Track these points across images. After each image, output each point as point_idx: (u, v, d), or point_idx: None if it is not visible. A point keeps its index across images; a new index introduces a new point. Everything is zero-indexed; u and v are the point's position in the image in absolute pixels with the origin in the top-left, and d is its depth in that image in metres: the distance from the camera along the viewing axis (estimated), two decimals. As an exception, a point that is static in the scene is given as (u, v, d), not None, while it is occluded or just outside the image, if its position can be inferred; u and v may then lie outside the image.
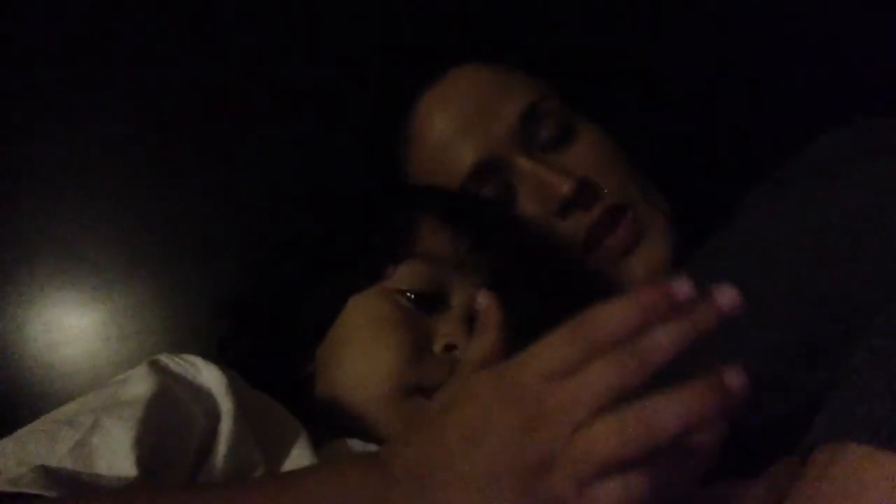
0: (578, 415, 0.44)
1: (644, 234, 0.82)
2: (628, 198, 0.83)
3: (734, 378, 0.43)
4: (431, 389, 0.65)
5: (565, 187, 0.80)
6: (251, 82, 0.98)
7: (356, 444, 0.62)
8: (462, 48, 0.89)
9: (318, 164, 0.97)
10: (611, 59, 0.99)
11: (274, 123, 0.98)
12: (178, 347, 0.67)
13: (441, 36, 0.97)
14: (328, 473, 0.48)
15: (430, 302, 0.68)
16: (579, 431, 0.43)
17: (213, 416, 0.55)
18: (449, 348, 0.67)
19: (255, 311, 0.77)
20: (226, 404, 0.55)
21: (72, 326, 0.94)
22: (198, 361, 0.57)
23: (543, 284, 0.76)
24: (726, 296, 0.44)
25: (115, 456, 0.48)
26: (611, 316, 0.45)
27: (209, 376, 0.56)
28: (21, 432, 0.52)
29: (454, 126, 0.84)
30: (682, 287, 0.44)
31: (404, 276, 0.69)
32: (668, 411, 0.43)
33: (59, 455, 0.48)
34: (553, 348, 0.45)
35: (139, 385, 0.54)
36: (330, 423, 0.66)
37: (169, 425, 0.52)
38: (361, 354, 0.68)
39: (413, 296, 0.68)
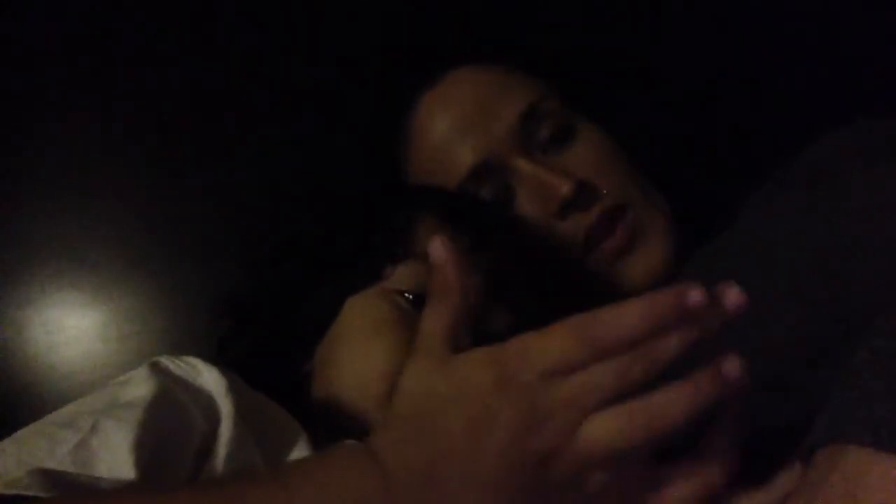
0: (581, 412, 0.44)
1: (643, 234, 0.82)
2: (628, 198, 0.83)
3: (732, 368, 0.45)
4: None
5: (565, 189, 0.79)
6: (251, 82, 0.98)
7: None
8: (462, 49, 0.89)
9: (318, 164, 0.97)
10: (611, 59, 0.99)
11: (274, 123, 0.98)
12: (178, 348, 0.67)
13: (441, 36, 0.97)
14: (326, 474, 0.47)
15: None
16: (582, 427, 0.44)
17: (213, 418, 0.54)
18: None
19: (254, 311, 0.77)
20: (226, 407, 0.55)
21: (72, 327, 0.94)
22: (198, 364, 0.57)
23: (542, 285, 0.76)
24: (732, 296, 0.45)
25: (115, 458, 0.48)
26: (620, 319, 0.44)
27: (209, 378, 0.56)
28: (21, 434, 0.52)
29: (454, 127, 0.84)
30: (695, 295, 0.44)
31: (403, 276, 0.69)
32: (670, 406, 0.44)
33: (59, 457, 0.48)
34: (557, 345, 0.45)
35: (139, 387, 0.54)
36: (327, 423, 0.66)
37: (169, 428, 0.52)
38: (360, 355, 0.68)
39: (412, 297, 0.68)
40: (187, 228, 0.96)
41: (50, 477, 0.46)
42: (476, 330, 0.52)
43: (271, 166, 0.97)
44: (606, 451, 0.44)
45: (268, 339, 0.74)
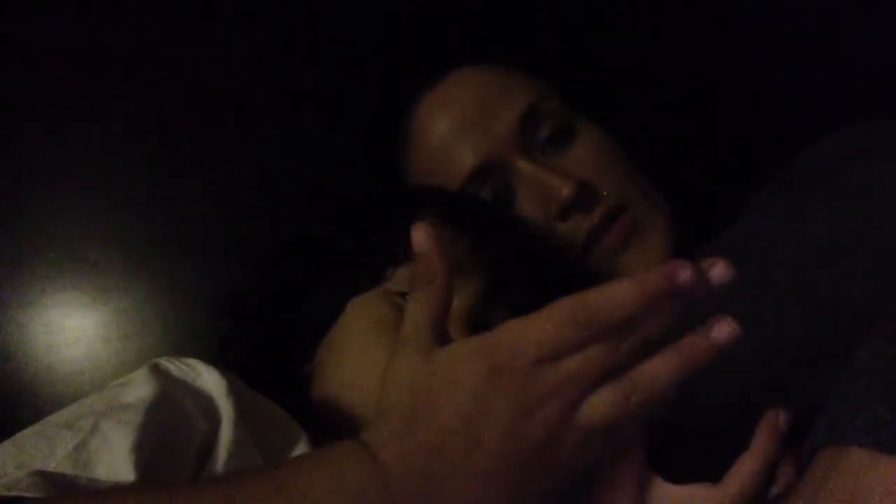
0: (576, 394, 0.45)
1: (643, 233, 0.82)
2: (627, 198, 0.83)
3: (723, 331, 0.45)
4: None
5: (565, 190, 0.79)
6: (251, 82, 0.98)
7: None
8: (462, 49, 0.89)
9: (318, 164, 0.97)
10: (611, 59, 0.99)
11: (274, 123, 0.98)
12: (178, 348, 0.67)
13: (441, 36, 0.97)
14: (323, 470, 0.46)
15: None
16: (577, 408, 0.45)
17: (214, 420, 0.54)
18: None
19: (255, 312, 0.77)
20: (226, 408, 0.55)
21: (72, 328, 0.94)
22: (198, 365, 0.57)
23: (542, 285, 0.76)
24: (719, 270, 0.45)
25: (114, 460, 0.48)
26: (610, 301, 0.44)
27: (210, 380, 0.56)
28: (20, 435, 0.52)
29: (454, 127, 0.84)
30: (686, 274, 0.44)
31: (404, 277, 0.69)
32: (660, 374, 0.45)
33: (58, 459, 0.48)
34: (548, 329, 0.45)
35: (139, 389, 0.54)
36: (327, 424, 0.66)
37: (169, 429, 0.52)
38: (360, 356, 0.68)
39: (412, 298, 0.68)
40: (187, 228, 0.95)
41: (49, 478, 0.46)
42: (476, 330, 0.52)
43: (271, 166, 0.97)
44: (602, 427, 0.45)
45: (268, 339, 0.74)
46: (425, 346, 0.48)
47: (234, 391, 0.56)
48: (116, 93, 0.96)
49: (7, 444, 0.51)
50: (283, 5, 0.99)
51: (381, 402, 0.48)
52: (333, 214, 0.80)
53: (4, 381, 0.92)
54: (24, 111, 0.95)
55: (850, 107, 0.88)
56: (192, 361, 0.57)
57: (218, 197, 0.97)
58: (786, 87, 1.01)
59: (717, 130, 1.00)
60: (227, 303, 0.79)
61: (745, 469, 0.51)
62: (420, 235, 0.50)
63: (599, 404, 0.45)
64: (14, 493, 0.44)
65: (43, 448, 0.49)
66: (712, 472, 0.52)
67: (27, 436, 0.51)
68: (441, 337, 0.48)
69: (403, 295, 0.68)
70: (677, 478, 0.52)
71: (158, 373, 0.56)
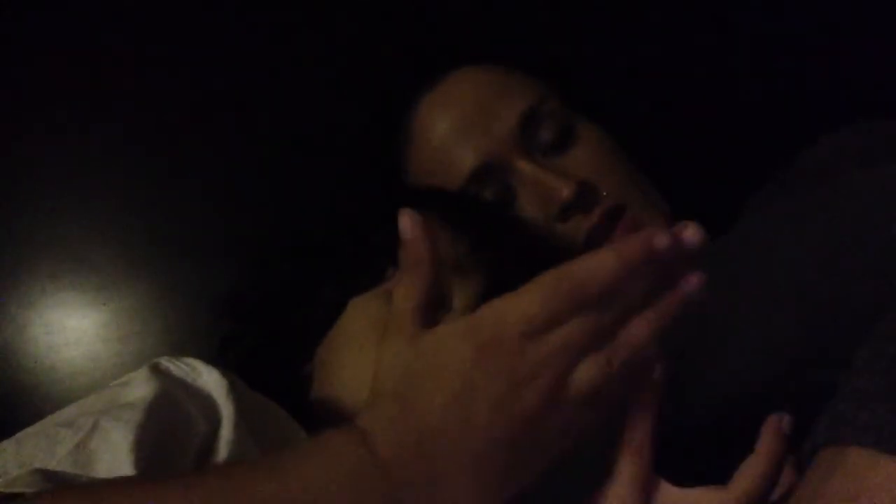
0: (562, 366, 0.45)
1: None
2: (627, 198, 0.83)
3: (692, 282, 0.46)
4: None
5: (566, 191, 0.80)
6: (251, 82, 0.98)
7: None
8: (462, 49, 0.89)
9: (318, 165, 0.97)
10: (611, 59, 0.99)
11: (274, 123, 0.98)
12: (179, 348, 0.67)
13: (441, 37, 0.97)
14: (320, 456, 0.46)
15: None
16: (565, 379, 0.45)
17: (214, 420, 0.54)
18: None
19: (255, 312, 0.77)
20: (226, 408, 0.55)
21: (72, 328, 0.94)
22: (199, 365, 0.57)
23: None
24: (689, 233, 0.46)
25: (115, 459, 0.48)
26: (592, 271, 0.45)
27: (210, 380, 0.56)
28: (21, 434, 0.52)
29: (454, 127, 0.84)
30: (662, 240, 0.45)
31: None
32: (642, 332, 0.46)
33: (59, 457, 0.48)
34: (531, 304, 0.45)
35: (140, 388, 0.54)
36: (327, 424, 0.65)
37: (169, 429, 0.52)
38: (361, 356, 0.68)
39: (413, 298, 0.68)
40: (187, 228, 0.95)
41: (50, 477, 0.46)
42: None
43: (271, 166, 0.97)
44: (590, 394, 0.46)
45: (268, 339, 0.74)
46: (412, 330, 0.48)
47: (234, 391, 0.56)
48: (116, 93, 0.96)
49: (7, 442, 0.51)
50: (283, 5, 0.99)
51: (373, 388, 0.48)
52: (334, 215, 0.80)
53: (4, 381, 0.92)
54: (24, 111, 0.95)
55: (850, 107, 0.88)
56: (192, 361, 0.57)
57: (218, 197, 0.97)
58: (786, 87, 1.01)
59: (717, 130, 1.00)
60: (227, 303, 0.79)
61: (751, 472, 0.51)
62: (406, 222, 0.50)
63: (585, 373, 0.46)
64: (13, 490, 0.44)
65: (43, 447, 0.49)
66: (715, 475, 0.52)
67: (28, 435, 0.51)
68: (428, 321, 0.49)
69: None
70: (682, 481, 0.52)
71: (159, 372, 0.56)
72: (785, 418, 0.52)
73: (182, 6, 0.97)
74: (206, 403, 0.55)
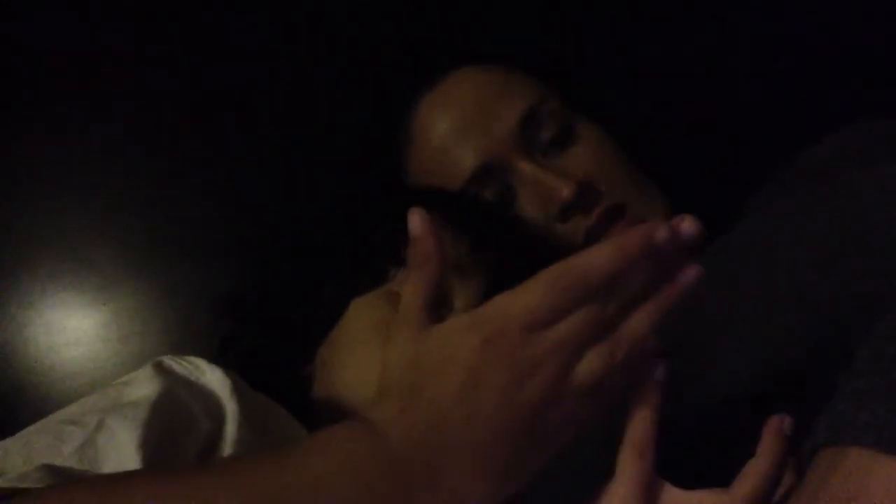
0: (565, 359, 0.46)
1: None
2: (627, 198, 0.83)
3: (689, 273, 0.47)
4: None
5: (566, 191, 0.80)
6: (251, 82, 0.98)
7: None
8: (462, 49, 0.89)
9: (318, 165, 0.97)
10: (611, 59, 0.99)
11: (274, 123, 0.98)
12: (179, 348, 0.67)
13: (441, 36, 0.97)
14: (330, 448, 0.46)
15: None
16: (569, 372, 0.46)
17: (217, 418, 0.54)
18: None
19: (255, 312, 0.77)
20: (230, 407, 0.55)
21: (73, 328, 0.94)
22: (202, 363, 0.57)
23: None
24: (685, 226, 0.47)
25: (121, 456, 0.48)
26: (592, 265, 0.46)
27: (213, 378, 0.56)
28: (25, 432, 0.52)
29: (454, 127, 0.84)
30: (662, 233, 0.46)
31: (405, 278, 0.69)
32: (642, 323, 0.47)
33: (65, 455, 0.48)
34: (535, 298, 0.46)
35: (143, 386, 0.54)
36: (329, 424, 0.65)
37: (173, 427, 0.52)
38: (362, 357, 0.68)
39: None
40: (187, 228, 0.95)
41: (57, 473, 0.46)
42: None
43: (271, 166, 0.97)
44: (593, 386, 0.47)
45: (269, 340, 0.74)
46: (419, 324, 0.49)
47: (237, 390, 0.56)
48: (116, 93, 0.96)
49: (12, 440, 0.51)
50: (283, 5, 0.99)
51: (380, 383, 0.49)
52: (335, 215, 0.80)
53: (4, 381, 0.92)
54: (24, 111, 0.95)
55: (850, 107, 0.88)
56: (195, 360, 0.57)
57: (218, 197, 0.97)
58: (786, 87, 1.01)
59: (717, 130, 1.00)
60: (227, 303, 0.79)
61: (754, 473, 0.51)
62: (416, 220, 0.51)
63: (588, 365, 0.46)
64: (23, 486, 0.44)
65: (49, 444, 0.49)
66: (715, 475, 0.52)
67: (32, 432, 0.51)
68: (435, 315, 0.50)
69: (404, 295, 0.68)
70: (682, 481, 0.52)
71: (162, 371, 0.56)
72: (786, 419, 0.52)
73: (182, 6, 0.97)
74: (210, 402, 0.55)
